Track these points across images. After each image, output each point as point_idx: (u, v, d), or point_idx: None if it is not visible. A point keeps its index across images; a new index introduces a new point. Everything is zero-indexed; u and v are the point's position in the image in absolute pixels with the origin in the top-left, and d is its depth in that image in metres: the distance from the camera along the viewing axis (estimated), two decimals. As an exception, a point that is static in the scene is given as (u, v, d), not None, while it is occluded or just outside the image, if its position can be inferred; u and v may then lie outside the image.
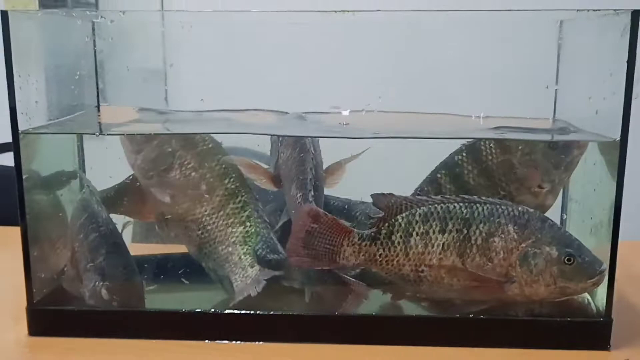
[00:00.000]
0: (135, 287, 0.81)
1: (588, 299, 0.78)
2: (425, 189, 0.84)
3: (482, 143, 0.83)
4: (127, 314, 0.80)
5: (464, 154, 0.84)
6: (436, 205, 0.76)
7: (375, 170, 0.89)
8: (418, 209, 0.77)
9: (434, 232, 0.75)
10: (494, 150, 0.83)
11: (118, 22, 0.87)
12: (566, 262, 0.73)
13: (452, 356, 0.75)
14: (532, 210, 0.76)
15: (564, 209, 0.89)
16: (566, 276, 0.73)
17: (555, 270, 0.73)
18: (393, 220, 0.77)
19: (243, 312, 0.78)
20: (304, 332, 0.77)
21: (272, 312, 0.78)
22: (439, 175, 0.84)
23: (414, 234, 0.76)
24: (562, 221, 0.89)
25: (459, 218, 0.75)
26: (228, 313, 0.78)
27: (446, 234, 0.75)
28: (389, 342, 0.76)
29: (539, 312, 0.77)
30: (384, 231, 0.77)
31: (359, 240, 0.77)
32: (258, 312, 0.78)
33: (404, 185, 0.87)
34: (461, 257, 0.75)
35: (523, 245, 0.74)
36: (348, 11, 0.74)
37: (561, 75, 0.88)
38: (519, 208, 0.76)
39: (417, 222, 0.76)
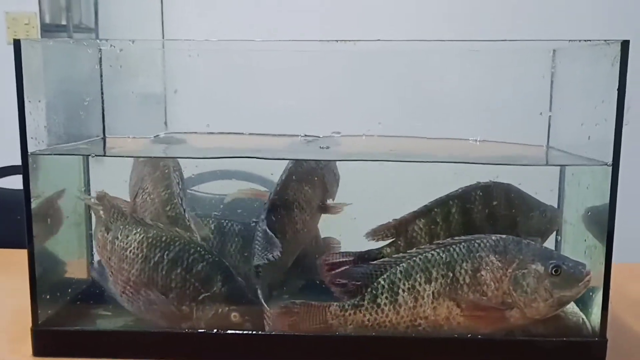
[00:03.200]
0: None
1: (583, 319, 0.80)
2: (436, 210, 0.86)
3: (495, 191, 0.86)
4: (131, 334, 0.81)
5: (479, 193, 0.86)
6: (414, 258, 0.78)
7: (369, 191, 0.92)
8: (397, 267, 0.78)
9: (420, 284, 0.77)
10: (503, 203, 0.86)
11: (126, 52, 0.90)
12: (554, 273, 0.75)
13: (451, 376, 0.76)
14: (504, 235, 0.78)
15: (558, 231, 0.91)
16: (559, 286, 0.75)
17: (548, 284, 0.75)
18: (375, 284, 0.78)
19: (247, 332, 0.79)
20: (308, 352, 0.78)
21: (273, 333, 0.79)
22: (450, 203, 0.86)
23: (400, 291, 0.77)
24: (557, 243, 0.91)
25: (440, 264, 0.77)
26: (232, 333, 0.79)
27: (433, 282, 0.76)
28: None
29: (535, 332, 0.78)
30: (367, 296, 0.78)
31: (341, 311, 0.78)
32: (260, 332, 0.79)
33: (395, 206, 0.89)
34: (454, 300, 0.76)
35: (510, 270, 0.76)
36: (349, 40, 0.77)
37: (554, 103, 0.91)
38: (493, 237, 0.78)
39: (400, 279, 0.77)
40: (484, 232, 0.81)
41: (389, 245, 0.86)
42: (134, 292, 0.82)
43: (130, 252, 0.82)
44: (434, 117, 0.95)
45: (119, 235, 0.84)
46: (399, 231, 0.85)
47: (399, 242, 0.85)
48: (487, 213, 0.85)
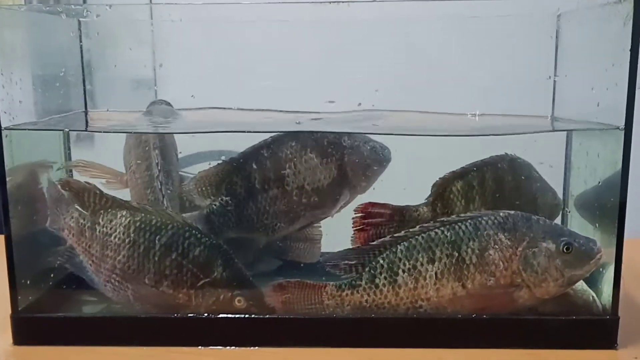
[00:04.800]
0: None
1: (593, 297, 0.76)
2: (472, 173, 0.82)
3: (521, 166, 0.84)
4: (118, 320, 0.77)
5: (509, 164, 0.83)
6: (416, 236, 0.74)
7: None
8: (398, 246, 0.74)
9: (422, 264, 0.73)
10: (528, 178, 0.84)
11: (105, 19, 0.85)
12: (565, 251, 0.71)
13: (456, 358, 0.72)
14: (512, 212, 0.74)
15: (565, 204, 0.87)
16: (570, 265, 0.71)
17: (559, 263, 0.71)
18: (373, 263, 0.74)
19: (237, 316, 0.75)
20: (300, 336, 0.74)
21: (267, 316, 0.75)
22: (485, 169, 0.83)
23: (400, 271, 0.73)
24: (565, 216, 0.87)
25: (445, 243, 0.73)
26: (222, 317, 0.75)
27: (436, 262, 0.72)
28: (389, 345, 0.74)
29: (543, 311, 0.74)
30: (365, 276, 0.74)
31: (338, 291, 0.74)
32: (253, 316, 0.75)
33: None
34: (460, 281, 0.72)
35: (520, 249, 0.71)
36: (343, 2, 0.72)
37: (560, 71, 0.87)
38: (501, 214, 0.73)
39: (400, 259, 0.73)
40: (511, 204, 0.78)
41: (426, 204, 0.82)
42: (121, 280, 0.77)
43: (115, 237, 0.77)
44: (432, 88, 0.91)
45: (100, 220, 0.78)
46: (438, 191, 0.82)
47: (437, 202, 0.82)
48: (514, 185, 0.82)
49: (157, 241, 0.76)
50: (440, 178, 0.83)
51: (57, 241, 0.81)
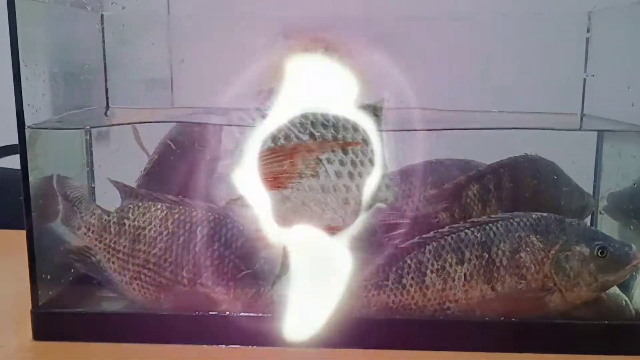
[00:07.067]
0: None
1: (626, 301, 0.74)
2: (488, 176, 0.81)
3: (541, 166, 0.83)
4: (137, 316, 0.76)
5: (527, 165, 0.82)
6: (445, 237, 0.72)
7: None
8: (427, 246, 0.73)
9: (451, 265, 0.71)
10: (549, 179, 0.82)
11: (126, 13, 0.84)
12: (600, 255, 0.69)
13: (484, 362, 0.71)
14: (545, 214, 0.72)
15: (596, 208, 0.85)
16: (604, 269, 0.69)
17: (593, 267, 0.69)
18: (401, 263, 0.73)
19: (259, 315, 0.73)
20: (324, 337, 0.73)
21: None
22: (501, 170, 0.82)
23: (428, 272, 0.72)
24: (594, 219, 0.85)
25: (475, 244, 0.71)
26: (244, 316, 0.74)
27: (465, 264, 0.71)
28: (416, 347, 0.72)
29: (574, 315, 0.73)
30: (392, 276, 0.73)
31: (363, 292, 0.73)
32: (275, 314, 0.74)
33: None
34: (489, 284, 0.71)
35: (552, 252, 0.70)
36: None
37: (592, 69, 0.85)
38: (533, 215, 0.72)
39: (429, 259, 0.72)
40: (532, 206, 0.76)
41: (444, 209, 0.81)
42: (154, 275, 0.75)
43: (150, 230, 0.76)
44: (462, 85, 0.89)
45: (129, 215, 0.77)
46: (454, 196, 0.81)
47: (454, 207, 0.81)
48: (534, 187, 0.81)
49: (198, 232, 0.75)
50: (452, 183, 0.81)
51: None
